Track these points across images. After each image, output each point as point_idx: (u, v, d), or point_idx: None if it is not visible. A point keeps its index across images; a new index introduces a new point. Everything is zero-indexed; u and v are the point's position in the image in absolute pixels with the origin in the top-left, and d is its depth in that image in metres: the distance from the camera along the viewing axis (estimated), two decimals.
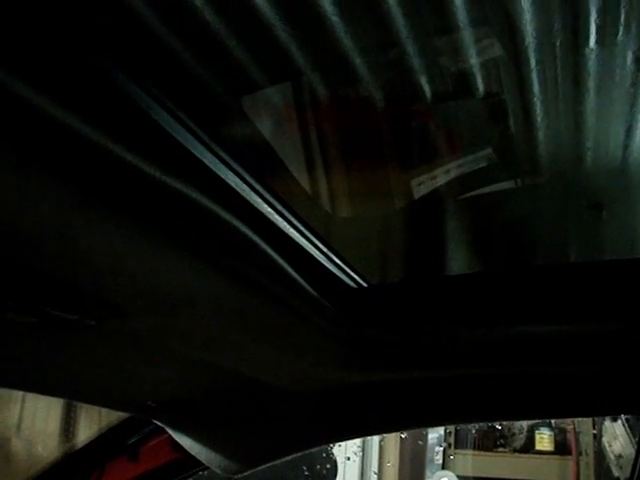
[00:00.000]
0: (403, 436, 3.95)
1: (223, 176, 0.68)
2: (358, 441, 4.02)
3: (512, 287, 0.96)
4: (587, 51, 0.80)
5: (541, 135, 0.93)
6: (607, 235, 1.10)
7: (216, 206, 0.63)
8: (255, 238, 0.70)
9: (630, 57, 0.81)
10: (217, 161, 0.67)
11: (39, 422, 4.52)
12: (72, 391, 1.09)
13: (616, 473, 4.02)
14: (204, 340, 0.85)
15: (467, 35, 0.81)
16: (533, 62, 0.82)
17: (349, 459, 4.06)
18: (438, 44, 0.84)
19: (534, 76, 0.84)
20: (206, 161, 0.65)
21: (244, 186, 0.71)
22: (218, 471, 1.32)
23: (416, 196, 1.03)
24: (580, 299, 0.91)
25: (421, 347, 1.01)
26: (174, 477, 1.50)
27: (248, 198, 0.72)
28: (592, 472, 3.91)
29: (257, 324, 0.82)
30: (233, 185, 0.69)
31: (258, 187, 0.74)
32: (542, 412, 1.17)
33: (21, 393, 4.50)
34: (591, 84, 0.84)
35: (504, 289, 0.96)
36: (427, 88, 0.87)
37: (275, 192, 0.78)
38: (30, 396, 4.53)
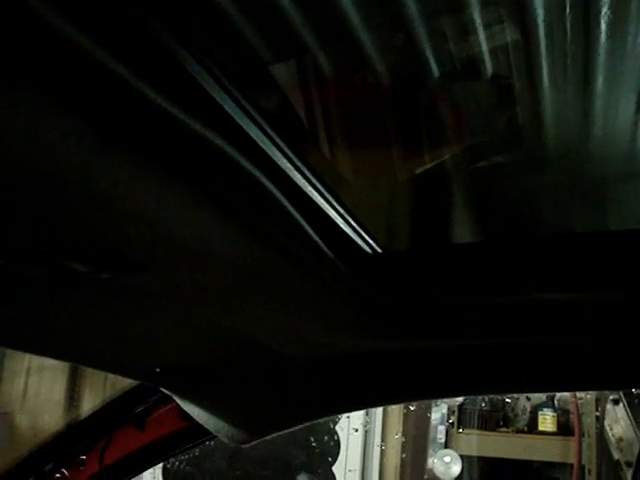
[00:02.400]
0: (409, 409, 3.95)
1: (250, 131, 0.66)
2: (359, 423, 4.03)
3: (527, 255, 0.94)
4: (598, 32, 0.80)
5: (549, 115, 0.92)
6: (613, 209, 1.08)
7: (243, 159, 0.62)
8: (277, 194, 0.68)
9: None
10: (245, 116, 0.65)
11: (43, 394, 4.54)
12: (77, 354, 1.08)
13: (616, 456, 4.02)
14: (219, 299, 0.84)
15: (477, 17, 0.80)
16: (543, 45, 0.81)
17: (356, 430, 4.07)
18: (447, 25, 0.83)
19: (543, 59, 0.83)
20: (235, 116, 0.63)
21: (269, 143, 0.70)
22: (225, 440, 1.32)
23: (426, 167, 1.02)
24: (590, 267, 0.90)
25: (436, 315, 0.99)
26: (181, 446, 1.50)
27: (272, 155, 0.71)
28: (594, 453, 3.91)
29: (273, 283, 0.81)
30: (259, 142, 0.68)
31: (283, 146, 0.72)
32: (556, 384, 1.16)
33: (25, 365, 4.51)
34: (601, 65, 0.83)
35: (519, 257, 0.95)
36: (435, 69, 0.86)
37: (298, 152, 0.76)
38: (34, 368, 4.55)
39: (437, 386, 1.15)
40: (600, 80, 0.85)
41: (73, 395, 4.54)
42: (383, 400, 1.22)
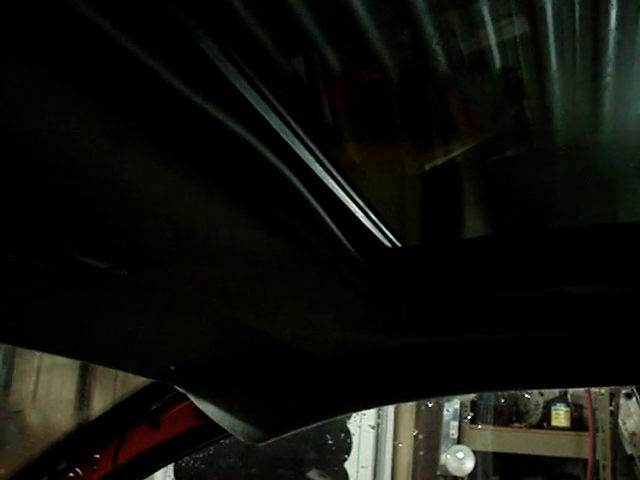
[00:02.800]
0: (423, 405, 3.93)
1: (272, 122, 0.65)
2: (372, 419, 4.01)
3: (549, 248, 0.93)
4: (607, 23, 0.79)
5: (558, 109, 0.92)
6: (624, 201, 1.07)
7: (264, 150, 0.61)
8: (299, 185, 0.66)
9: None
10: (267, 107, 0.63)
11: (54, 393, 4.54)
12: (92, 352, 1.07)
13: (629, 451, 3.99)
14: (236, 294, 0.82)
15: (485, 11, 0.80)
16: (552, 38, 0.81)
17: (373, 428, 4.05)
18: (455, 19, 0.82)
19: (552, 52, 0.83)
20: (258, 107, 0.61)
21: (291, 134, 0.69)
22: (241, 438, 1.30)
23: (439, 161, 1.01)
24: (603, 260, 0.88)
25: (455, 310, 0.97)
26: (196, 444, 1.48)
27: (293, 147, 0.69)
28: (608, 449, 3.88)
29: (291, 277, 0.79)
30: (281, 133, 0.67)
31: (304, 137, 0.71)
32: (572, 380, 1.13)
33: (36, 364, 4.52)
34: (610, 57, 0.83)
35: (537, 250, 0.93)
36: (443, 63, 0.86)
37: (320, 144, 0.74)
38: (45, 367, 4.55)
39: (454, 383, 1.13)
40: (609, 71, 0.84)
41: (84, 393, 4.54)
42: (400, 397, 1.19)
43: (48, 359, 4.51)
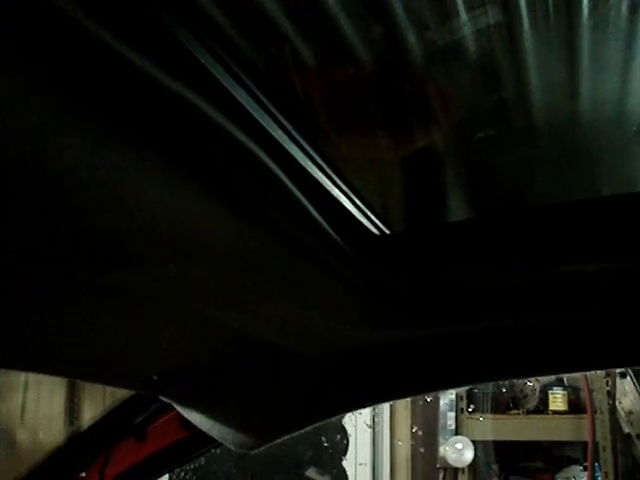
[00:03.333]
0: (421, 400, 3.89)
1: (250, 107, 0.62)
2: (367, 414, 3.97)
3: (538, 227, 0.88)
4: (580, 6, 0.78)
5: (536, 96, 0.90)
6: (605, 176, 1.04)
7: (241, 135, 0.57)
8: (278, 172, 0.61)
9: (625, 6, 0.78)
10: (245, 93, 0.61)
11: (42, 409, 4.46)
12: (65, 366, 0.99)
13: (627, 429, 3.99)
14: (216, 295, 0.75)
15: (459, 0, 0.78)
16: (526, 26, 0.79)
17: (370, 427, 4.01)
18: (428, 9, 0.81)
19: (527, 40, 0.81)
20: (235, 93, 0.59)
21: (267, 118, 0.65)
22: (232, 447, 1.24)
23: (419, 148, 0.98)
24: (593, 235, 0.85)
25: (450, 298, 0.91)
26: (185, 456, 1.42)
27: (272, 132, 0.66)
28: (608, 430, 3.86)
29: (274, 272, 0.73)
30: (258, 117, 0.64)
31: (283, 122, 0.68)
32: (576, 364, 1.08)
33: (22, 380, 4.43)
34: (585, 38, 0.81)
35: (530, 230, 0.88)
36: (418, 52, 0.84)
37: (300, 130, 0.70)
38: (32, 383, 4.46)
39: (452, 375, 1.07)
40: (585, 53, 0.83)
41: (73, 407, 4.46)
42: (397, 393, 1.13)
43: (34, 375, 4.43)
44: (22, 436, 4.38)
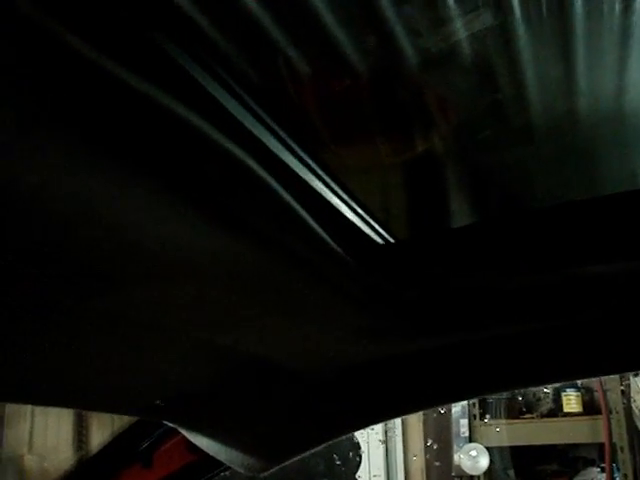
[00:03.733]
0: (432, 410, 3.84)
1: (241, 118, 0.59)
2: (381, 432, 3.92)
3: (543, 228, 0.85)
4: (574, 7, 0.77)
5: (533, 95, 0.89)
6: (604, 174, 1.02)
7: (235, 148, 0.54)
8: (273, 183, 0.57)
9: (618, 4, 0.77)
10: (237, 104, 0.58)
11: (51, 436, 4.41)
12: (61, 396, 0.95)
13: None
14: (214, 316, 0.72)
15: (452, 5, 0.77)
16: (521, 27, 0.79)
17: (381, 441, 3.96)
18: (422, 16, 0.80)
19: (522, 40, 0.80)
20: (226, 103, 0.56)
21: (261, 127, 0.62)
22: (241, 471, 1.19)
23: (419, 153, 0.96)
24: (596, 234, 0.82)
25: (458, 306, 0.87)
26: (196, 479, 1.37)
27: (266, 142, 0.63)
28: (624, 429, 3.80)
29: (273, 289, 0.69)
30: (252, 129, 0.61)
31: (278, 130, 0.65)
32: (587, 369, 1.04)
33: (29, 407, 4.38)
34: (580, 40, 0.80)
35: (534, 232, 0.84)
36: (413, 59, 0.83)
37: (296, 137, 0.67)
38: (39, 410, 4.42)
39: (462, 387, 1.03)
40: (580, 51, 0.82)
41: (82, 431, 4.41)
42: (405, 409, 1.09)
43: None
44: (30, 463, 4.34)
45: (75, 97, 0.41)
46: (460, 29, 0.79)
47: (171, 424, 1.20)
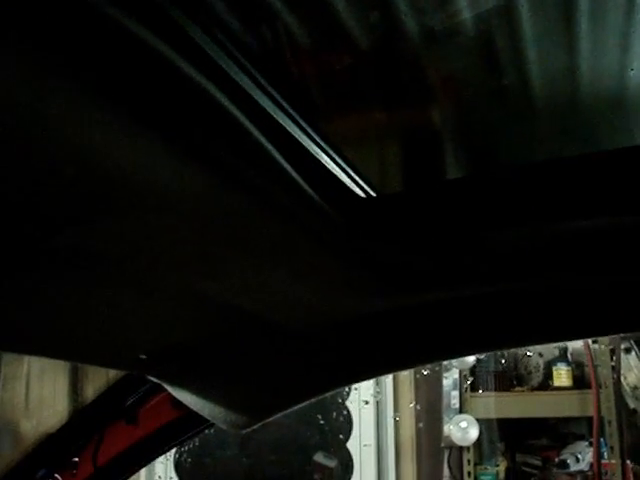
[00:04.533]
0: (422, 374, 3.85)
1: (226, 67, 0.58)
2: (370, 395, 3.94)
3: (539, 182, 0.83)
4: None
5: (535, 75, 0.88)
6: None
7: (221, 96, 0.54)
8: (252, 129, 0.57)
9: None
10: (220, 51, 0.57)
11: (46, 399, 4.44)
12: (45, 345, 0.96)
13: (632, 404, 3.97)
14: (197, 265, 0.71)
15: None
16: (525, 6, 0.77)
17: (366, 403, 3.98)
18: None
19: (526, 20, 0.79)
20: (211, 52, 0.55)
21: (247, 80, 0.62)
22: (224, 426, 1.20)
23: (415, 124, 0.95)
24: (593, 190, 0.81)
25: (445, 263, 0.87)
26: (178, 437, 1.38)
27: (249, 90, 0.62)
28: (613, 404, 3.83)
29: (255, 238, 0.68)
30: (237, 78, 0.61)
31: (262, 81, 0.64)
32: (580, 329, 1.03)
33: (25, 371, 4.41)
34: (584, 22, 0.79)
35: (531, 185, 0.83)
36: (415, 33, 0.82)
37: (280, 90, 0.66)
38: (35, 373, 4.44)
39: (451, 344, 1.03)
40: (584, 28, 0.81)
41: (76, 391, 4.44)
42: (394, 365, 1.09)
43: (37, 364, 4.40)
44: (26, 427, 4.37)
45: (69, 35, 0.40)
46: (465, 8, 0.79)
47: (156, 380, 1.21)
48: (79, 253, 0.64)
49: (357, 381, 1.15)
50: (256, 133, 0.60)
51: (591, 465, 3.89)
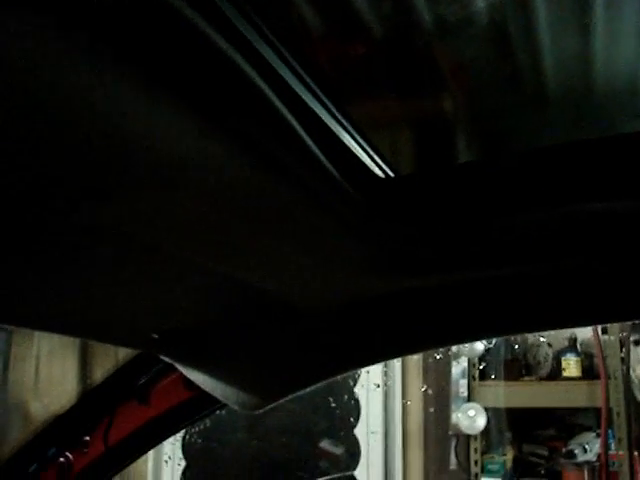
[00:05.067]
0: (431, 360, 3.85)
1: (253, 40, 0.57)
2: (380, 380, 3.94)
3: (552, 165, 0.83)
4: None
5: (548, 63, 0.87)
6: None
7: (248, 68, 0.53)
8: (277, 103, 0.56)
9: None
10: (250, 27, 0.55)
11: (55, 379, 4.46)
12: (56, 322, 0.95)
13: None
14: (215, 241, 0.71)
15: None
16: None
17: (378, 386, 3.98)
18: None
19: (541, 6, 0.78)
20: (245, 31, 0.54)
21: (272, 54, 0.61)
22: (235, 407, 1.20)
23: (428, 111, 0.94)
24: (609, 174, 0.80)
25: (463, 245, 0.86)
26: (189, 418, 1.39)
27: (279, 69, 0.62)
28: (622, 395, 3.82)
29: (272, 214, 0.68)
30: (263, 52, 0.59)
31: (289, 57, 0.64)
32: (594, 315, 1.02)
33: (34, 352, 4.43)
34: (599, 7, 0.78)
35: (545, 169, 0.83)
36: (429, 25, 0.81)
37: (305, 68, 0.65)
38: (44, 354, 4.47)
39: (464, 327, 1.02)
40: (599, 13, 0.80)
41: (86, 373, 4.46)
42: (407, 349, 1.09)
43: (46, 344, 4.42)
44: (36, 407, 4.40)
45: None
46: None
47: (168, 359, 1.21)
48: (97, 230, 0.64)
49: (370, 364, 1.15)
50: (282, 108, 0.59)
51: (598, 456, 3.88)
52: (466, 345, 3.83)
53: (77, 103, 0.43)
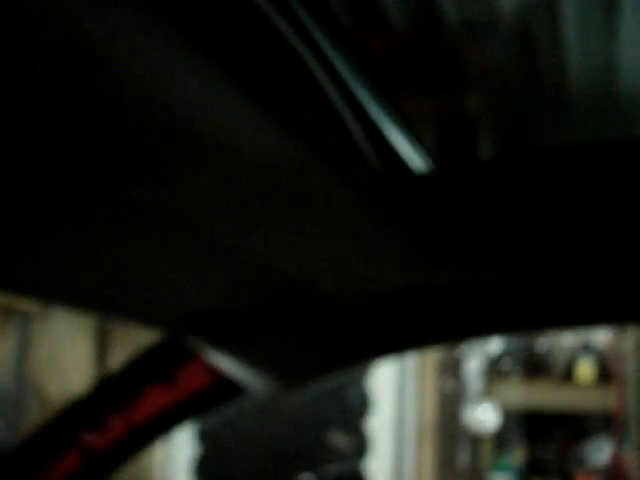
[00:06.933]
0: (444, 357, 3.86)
1: (310, 28, 0.57)
2: (392, 378, 3.95)
3: (584, 163, 0.83)
4: None
5: (573, 60, 0.86)
6: None
7: (306, 53, 0.53)
8: (333, 94, 0.57)
9: None
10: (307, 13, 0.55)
11: (72, 360, 4.51)
12: (86, 298, 0.97)
13: None
14: (254, 220, 0.72)
15: None
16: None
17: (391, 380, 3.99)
18: None
19: (569, 6, 0.78)
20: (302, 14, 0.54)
21: (325, 41, 0.61)
22: (258, 393, 1.22)
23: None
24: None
25: (500, 240, 0.87)
26: (213, 403, 1.40)
27: (331, 56, 0.61)
28: (635, 400, 3.81)
29: (318, 201, 0.69)
30: (319, 40, 0.59)
31: (339, 44, 0.64)
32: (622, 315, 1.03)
33: (52, 335, 4.47)
34: (627, 7, 0.77)
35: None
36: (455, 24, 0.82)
37: (355, 58, 0.66)
38: (61, 337, 4.51)
39: (492, 322, 1.04)
40: (627, 14, 0.78)
41: (103, 356, 4.50)
42: (434, 340, 1.10)
43: (63, 327, 4.47)
44: (53, 389, 4.45)
45: None
46: None
47: (194, 342, 1.23)
48: (145, 208, 0.65)
49: (393, 354, 1.16)
50: (335, 96, 0.60)
51: (610, 459, 3.88)
52: (481, 343, 3.84)
53: (149, 84, 0.44)
